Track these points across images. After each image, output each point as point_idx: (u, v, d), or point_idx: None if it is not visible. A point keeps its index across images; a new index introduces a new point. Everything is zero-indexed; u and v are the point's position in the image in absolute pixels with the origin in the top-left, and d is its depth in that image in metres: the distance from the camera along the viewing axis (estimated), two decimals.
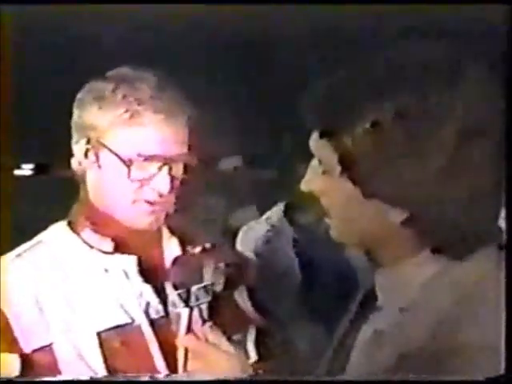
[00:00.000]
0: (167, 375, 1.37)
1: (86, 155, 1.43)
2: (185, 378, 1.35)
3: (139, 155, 1.38)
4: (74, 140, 1.45)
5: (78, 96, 1.44)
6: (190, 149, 1.43)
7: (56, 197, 1.59)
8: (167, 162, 1.40)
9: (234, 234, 2.76)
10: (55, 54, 3.14)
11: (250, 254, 2.61)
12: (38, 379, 1.36)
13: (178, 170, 1.43)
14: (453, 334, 1.03)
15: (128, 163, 1.38)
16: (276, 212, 2.85)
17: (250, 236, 2.80)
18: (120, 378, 1.36)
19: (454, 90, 1.02)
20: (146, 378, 1.32)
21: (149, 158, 1.38)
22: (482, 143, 1.02)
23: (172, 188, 1.41)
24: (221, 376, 1.29)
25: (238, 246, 2.69)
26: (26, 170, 5.63)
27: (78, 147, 1.44)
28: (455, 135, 1.00)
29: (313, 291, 2.63)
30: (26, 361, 1.37)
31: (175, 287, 1.40)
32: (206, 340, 1.33)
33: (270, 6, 1.71)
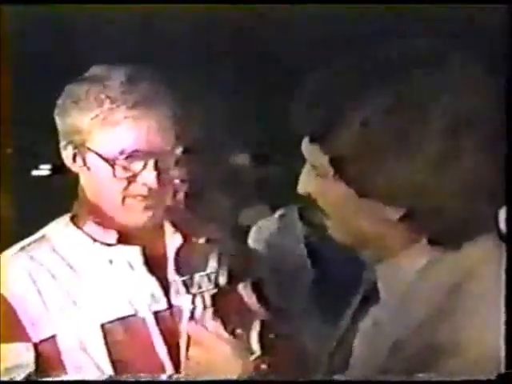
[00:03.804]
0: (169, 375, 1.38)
1: (74, 159, 1.45)
2: (186, 379, 1.36)
3: (121, 153, 1.39)
4: (61, 146, 1.47)
5: (58, 102, 1.45)
6: (178, 139, 1.42)
7: (64, 193, 1.60)
8: (152, 155, 1.39)
9: (244, 232, 2.76)
10: (63, 53, 3.15)
11: (261, 251, 2.61)
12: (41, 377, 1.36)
13: (168, 162, 1.42)
14: (448, 326, 1.03)
15: (111, 162, 1.39)
16: (289, 210, 2.84)
17: (262, 233, 2.79)
18: (121, 378, 1.36)
19: (442, 83, 1.02)
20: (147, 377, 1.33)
21: (132, 155, 1.39)
22: (472, 133, 1.01)
23: (160, 181, 1.40)
24: (221, 364, 1.29)
25: (250, 243, 2.69)
26: (44, 170, 5.68)
27: (66, 153, 1.46)
28: (445, 127, 1.00)
29: (324, 289, 2.62)
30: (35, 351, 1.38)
31: (179, 275, 1.41)
32: (207, 328, 1.34)
33: (264, 5, 1.71)
